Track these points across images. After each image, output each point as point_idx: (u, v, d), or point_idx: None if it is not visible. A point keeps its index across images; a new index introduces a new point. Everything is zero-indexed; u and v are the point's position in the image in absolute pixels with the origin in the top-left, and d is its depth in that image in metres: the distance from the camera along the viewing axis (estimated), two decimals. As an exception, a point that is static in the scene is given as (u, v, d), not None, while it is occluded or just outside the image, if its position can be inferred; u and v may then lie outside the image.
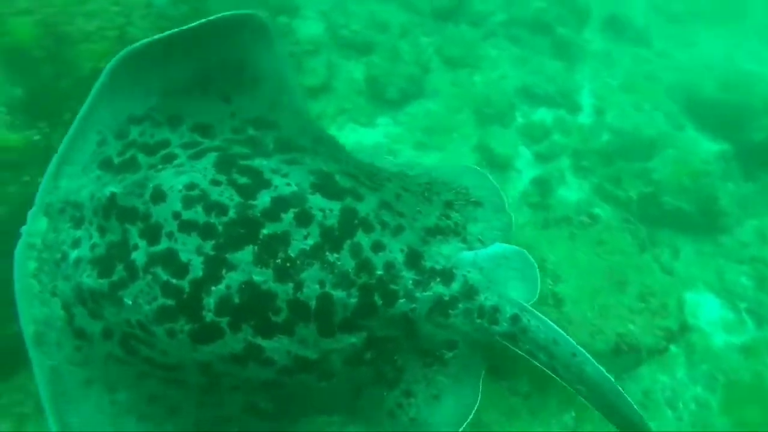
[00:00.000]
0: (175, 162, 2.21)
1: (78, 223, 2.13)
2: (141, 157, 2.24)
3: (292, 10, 6.05)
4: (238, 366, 2.07)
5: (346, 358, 2.19)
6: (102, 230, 2.07)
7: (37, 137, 3.19)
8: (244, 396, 2.22)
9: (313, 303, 2.07)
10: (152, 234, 1.99)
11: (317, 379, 2.20)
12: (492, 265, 2.38)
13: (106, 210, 2.05)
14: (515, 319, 2.27)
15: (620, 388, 2.26)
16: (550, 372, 2.29)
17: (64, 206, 2.16)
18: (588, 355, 2.23)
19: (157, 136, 2.30)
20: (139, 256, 1.99)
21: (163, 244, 1.98)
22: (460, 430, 2.28)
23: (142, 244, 2.00)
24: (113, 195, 2.06)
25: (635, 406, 2.27)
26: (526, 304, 2.33)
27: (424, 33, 6.28)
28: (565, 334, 2.25)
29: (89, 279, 2.02)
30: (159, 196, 2.05)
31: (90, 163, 2.24)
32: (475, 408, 2.32)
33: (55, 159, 2.22)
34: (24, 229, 2.14)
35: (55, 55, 3.39)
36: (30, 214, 2.17)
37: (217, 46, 2.33)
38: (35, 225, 2.14)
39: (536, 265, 2.49)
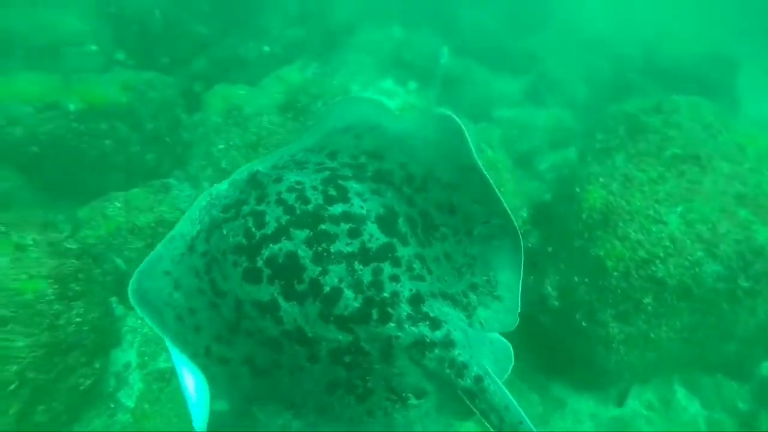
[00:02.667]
0: (304, 171, 3.05)
1: (233, 185, 3.08)
2: (292, 166, 3.17)
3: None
4: (259, 313, 2.60)
5: (330, 350, 2.56)
6: (241, 191, 2.95)
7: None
8: (251, 346, 2.66)
9: (327, 288, 2.55)
10: (259, 199, 2.81)
11: (307, 359, 2.59)
12: (477, 340, 2.71)
13: (250, 179, 2.95)
14: (479, 379, 2.54)
15: None
16: None
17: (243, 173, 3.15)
18: (531, 425, 2.48)
19: (307, 157, 3.22)
20: (245, 209, 2.79)
21: (261, 207, 2.77)
22: None
23: (251, 203, 2.81)
24: (257, 171, 2.97)
25: None
26: (490, 372, 2.58)
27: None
28: (516, 404, 2.51)
29: (216, 212, 2.92)
30: (278, 180, 2.88)
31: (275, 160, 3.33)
32: None
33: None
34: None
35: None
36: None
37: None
38: (241, 174, 3.15)
39: (512, 363, 2.74)
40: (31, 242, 3.67)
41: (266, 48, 6.78)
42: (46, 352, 3.44)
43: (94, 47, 7.25)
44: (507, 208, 2.86)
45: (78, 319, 3.65)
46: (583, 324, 4.03)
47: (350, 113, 3.39)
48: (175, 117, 5.90)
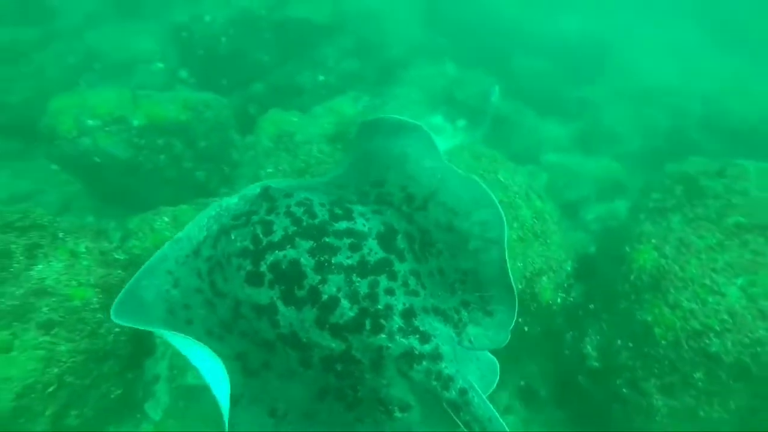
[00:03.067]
0: (314, 192, 3.27)
1: (244, 199, 3.31)
2: (303, 187, 3.40)
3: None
4: (255, 315, 2.72)
5: (323, 357, 2.65)
6: (252, 204, 3.15)
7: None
8: (244, 345, 2.75)
9: (325, 296, 2.68)
10: (269, 211, 3.01)
11: (299, 363, 2.67)
12: (464, 356, 2.79)
13: (262, 193, 3.17)
14: (463, 391, 2.60)
15: None
16: None
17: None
18: None
19: (317, 183, 3.53)
20: (254, 218, 2.99)
21: (270, 217, 2.97)
22: None
23: (261, 213, 3.01)
24: (269, 186, 3.21)
25: None
26: (475, 386, 2.64)
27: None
28: (498, 416, 2.57)
29: (225, 220, 3.12)
30: (288, 196, 3.12)
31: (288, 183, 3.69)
32: None
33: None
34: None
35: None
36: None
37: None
38: (253, 190, 3.36)
39: (498, 377, 2.81)
40: (84, 250, 3.81)
41: (321, 77, 6.99)
42: (84, 358, 3.52)
43: (161, 65, 7.69)
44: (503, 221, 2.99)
45: (117, 329, 3.73)
46: (624, 391, 3.82)
47: (364, 145, 3.57)
48: (227, 137, 6.12)
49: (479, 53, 10.28)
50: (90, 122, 5.04)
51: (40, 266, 3.55)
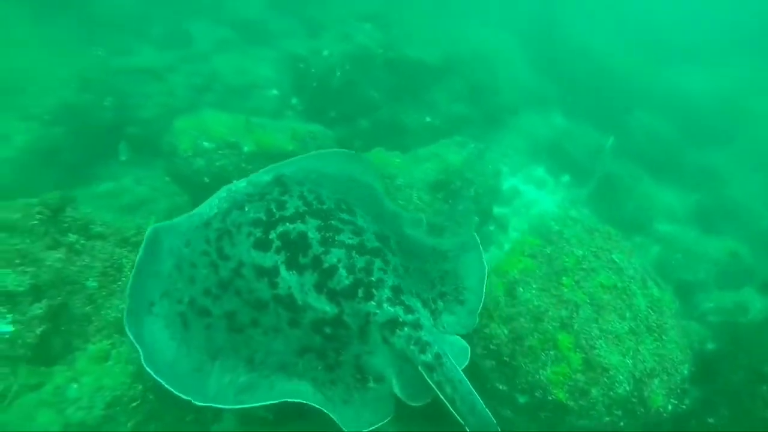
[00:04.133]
0: (322, 189, 3.61)
1: (252, 183, 3.57)
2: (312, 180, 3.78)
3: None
4: (256, 276, 2.97)
5: (313, 321, 2.91)
6: (263, 187, 3.46)
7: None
8: (236, 304, 2.97)
9: (326, 265, 2.98)
10: (282, 193, 3.35)
11: (288, 323, 2.91)
12: (440, 338, 3.03)
13: (275, 179, 3.52)
14: (438, 356, 2.84)
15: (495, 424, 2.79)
16: (448, 403, 2.76)
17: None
18: (479, 398, 2.77)
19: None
20: (268, 197, 3.32)
21: (284, 198, 3.31)
22: None
23: (275, 194, 3.36)
24: (283, 174, 3.58)
25: None
26: (449, 355, 2.87)
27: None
28: (467, 381, 2.80)
29: (239, 197, 3.40)
30: (300, 183, 3.55)
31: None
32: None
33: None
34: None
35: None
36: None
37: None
38: (262, 176, 3.66)
39: (468, 360, 3.00)
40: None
41: (428, 118, 6.93)
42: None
43: (275, 92, 8.06)
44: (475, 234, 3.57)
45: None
46: None
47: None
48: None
49: (590, 104, 9.79)
50: (206, 144, 5.32)
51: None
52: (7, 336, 3.27)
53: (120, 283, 3.68)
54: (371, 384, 2.88)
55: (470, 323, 3.22)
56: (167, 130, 5.62)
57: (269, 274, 2.96)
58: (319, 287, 2.93)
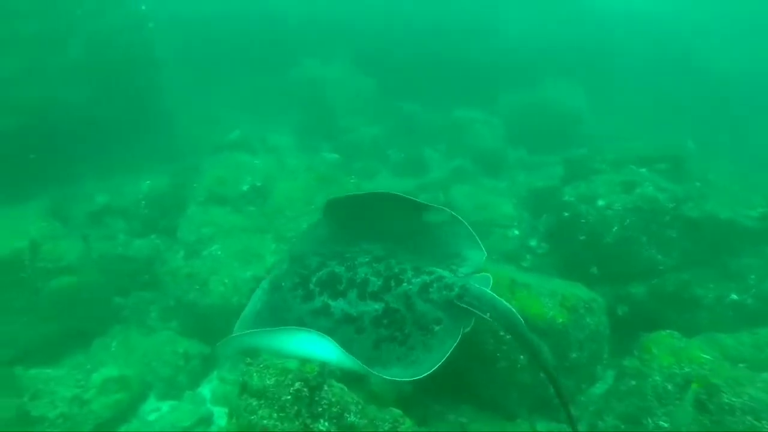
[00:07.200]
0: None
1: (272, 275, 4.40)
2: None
3: None
4: (313, 319, 3.76)
5: (372, 320, 3.68)
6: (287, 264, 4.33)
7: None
8: None
9: (359, 280, 3.86)
10: (301, 266, 4.23)
11: (354, 331, 3.65)
12: (463, 279, 3.85)
13: (291, 257, 4.43)
14: (464, 287, 3.68)
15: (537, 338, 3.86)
16: (480, 314, 3.56)
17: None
18: (499, 299, 3.54)
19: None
20: (291, 270, 4.22)
21: (305, 263, 4.19)
22: (442, 361, 3.40)
23: (296, 267, 4.21)
24: (293, 250, 4.69)
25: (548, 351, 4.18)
26: (474, 283, 3.76)
27: None
28: (489, 293, 3.63)
29: (274, 284, 4.25)
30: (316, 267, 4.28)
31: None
32: (451, 349, 3.47)
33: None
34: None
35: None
36: None
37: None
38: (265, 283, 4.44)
39: (491, 283, 3.85)
40: None
41: (734, 296, 5.16)
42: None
43: (516, 232, 7.23)
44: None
45: None
46: None
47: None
48: (599, 352, 4.78)
49: None
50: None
51: None
52: None
53: None
54: (436, 328, 3.62)
55: (481, 259, 4.11)
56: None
57: (323, 312, 3.76)
58: (361, 296, 3.76)
